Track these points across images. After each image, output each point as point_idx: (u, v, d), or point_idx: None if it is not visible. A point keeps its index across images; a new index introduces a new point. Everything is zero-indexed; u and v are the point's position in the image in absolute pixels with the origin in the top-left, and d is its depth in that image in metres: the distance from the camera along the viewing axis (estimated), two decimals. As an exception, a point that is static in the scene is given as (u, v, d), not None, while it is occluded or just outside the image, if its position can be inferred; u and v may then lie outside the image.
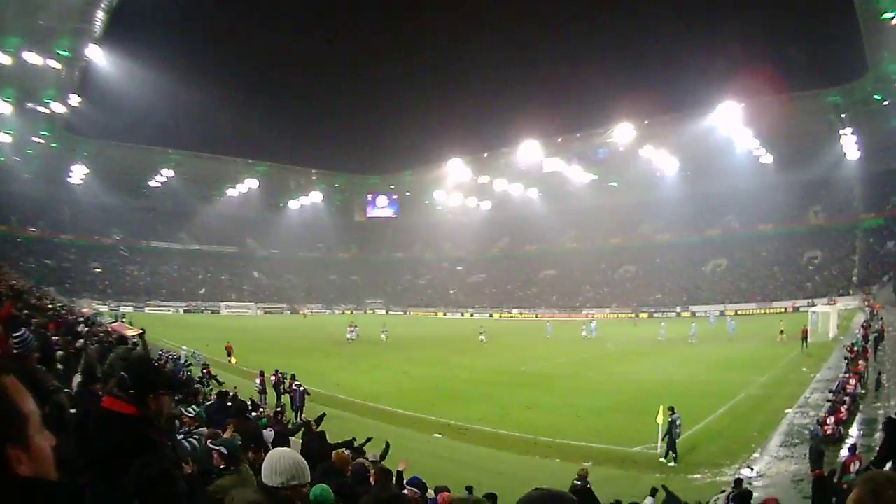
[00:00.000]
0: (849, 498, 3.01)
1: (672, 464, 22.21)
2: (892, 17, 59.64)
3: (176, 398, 14.97)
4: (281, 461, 4.31)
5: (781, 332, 54.53)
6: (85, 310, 61.50)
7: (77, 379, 9.68)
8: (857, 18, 64.01)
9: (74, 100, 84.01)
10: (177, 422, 9.88)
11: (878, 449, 10.86)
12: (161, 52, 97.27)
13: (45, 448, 2.07)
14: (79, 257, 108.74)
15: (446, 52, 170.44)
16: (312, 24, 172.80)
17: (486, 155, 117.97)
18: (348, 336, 67.54)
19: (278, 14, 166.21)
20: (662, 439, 22.91)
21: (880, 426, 18.77)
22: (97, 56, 76.43)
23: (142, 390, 4.23)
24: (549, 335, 72.41)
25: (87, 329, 27.35)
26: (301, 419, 25.47)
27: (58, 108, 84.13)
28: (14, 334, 8.10)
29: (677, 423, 22.56)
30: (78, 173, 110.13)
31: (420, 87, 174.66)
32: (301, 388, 30.81)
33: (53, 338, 15.60)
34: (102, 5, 67.48)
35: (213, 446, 7.31)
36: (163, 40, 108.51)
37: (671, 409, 22.86)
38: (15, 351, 7.66)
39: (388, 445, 15.44)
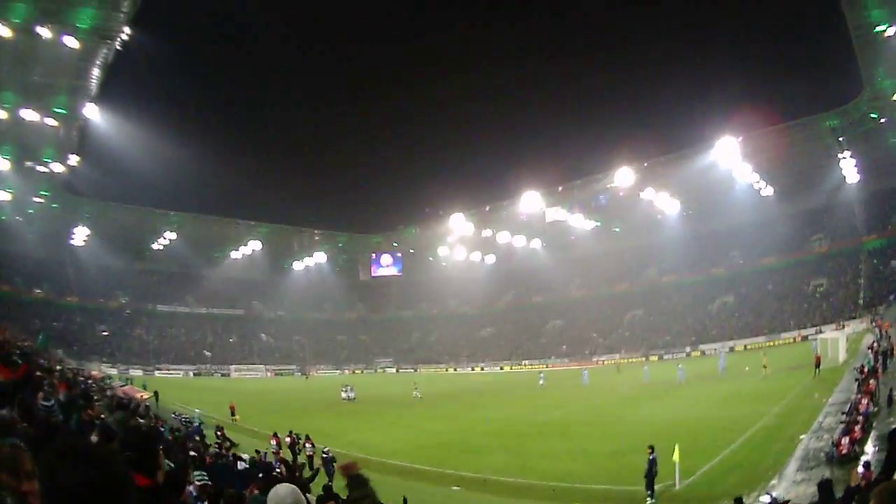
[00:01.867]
0: None
1: (649, 500, 22.58)
2: (885, 30, 59.81)
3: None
4: (284, 496, 4.70)
5: (765, 366, 54.58)
6: (94, 373, 62.39)
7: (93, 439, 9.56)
8: (849, 36, 64.01)
9: (73, 159, 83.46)
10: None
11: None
12: (159, 111, 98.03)
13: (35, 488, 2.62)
14: (85, 320, 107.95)
15: (443, 106, 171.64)
16: (308, 82, 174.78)
17: (487, 209, 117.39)
18: (343, 396, 68.04)
19: (275, 74, 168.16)
20: (645, 477, 23.02)
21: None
22: (94, 114, 75.20)
23: (152, 461, 4.43)
24: (541, 383, 72.31)
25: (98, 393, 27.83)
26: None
27: (56, 167, 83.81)
28: (45, 403, 8.47)
29: (655, 461, 22.71)
30: (80, 235, 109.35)
31: (418, 143, 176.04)
32: (329, 455, 30.28)
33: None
34: (97, 62, 66.53)
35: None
36: (160, 99, 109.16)
37: (650, 447, 23.14)
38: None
39: (405, 500, 15.71)
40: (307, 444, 33.19)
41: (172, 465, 8.05)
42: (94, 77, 69.09)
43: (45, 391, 10.96)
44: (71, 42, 60.16)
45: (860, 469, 17.52)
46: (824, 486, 13.34)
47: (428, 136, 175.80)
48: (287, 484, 5.11)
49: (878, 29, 60.39)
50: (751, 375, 56.02)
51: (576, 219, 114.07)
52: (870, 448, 22.52)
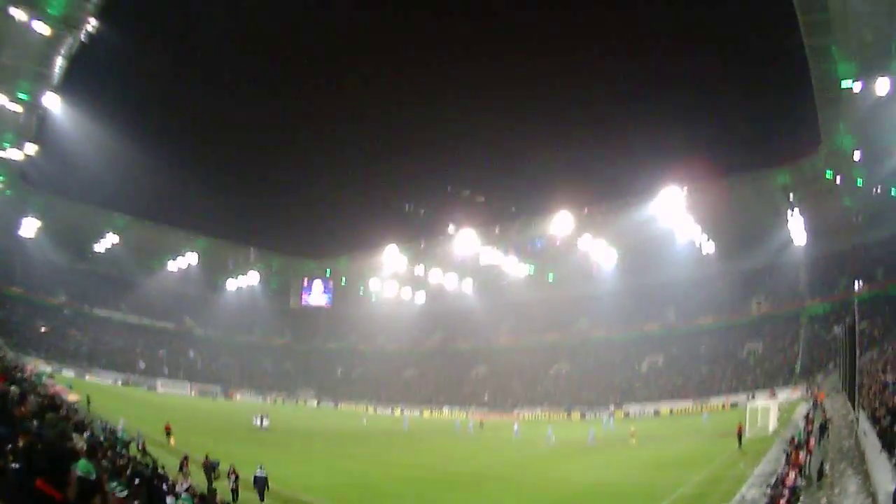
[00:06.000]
0: None
1: None
2: (852, 86, 59.50)
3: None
4: None
5: (632, 436, 57.20)
6: (29, 367, 62.95)
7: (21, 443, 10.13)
8: (811, 89, 63.76)
9: (30, 148, 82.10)
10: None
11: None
12: (115, 111, 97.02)
13: None
14: (27, 313, 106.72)
15: (384, 136, 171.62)
16: (263, 100, 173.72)
17: (422, 245, 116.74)
18: (256, 424, 68.63)
19: (232, 87, 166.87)
20: None
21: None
22: (54, 104, 74.32)
23: (67, 478, 4.78)
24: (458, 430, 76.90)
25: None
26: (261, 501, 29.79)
27: (14, 154, 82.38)
28: None
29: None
30: (29, 226, 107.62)
31: (359, 172, 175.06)
32: (263, 475, 31.01)
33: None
34: (62, 51, 65.73)
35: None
36: (117, 97, 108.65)
37: None
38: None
39: None
40: (232, 475, 31.28)
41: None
42: (57, 66, 68.62)
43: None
44: (41, 27, 59.54)
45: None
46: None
47: (369, 164, 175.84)
48: None
49: (844, 84, 60.01)
50: (697, 439, 56.33)
51: (510, 262, 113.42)
52: (793, 524, 20.94)
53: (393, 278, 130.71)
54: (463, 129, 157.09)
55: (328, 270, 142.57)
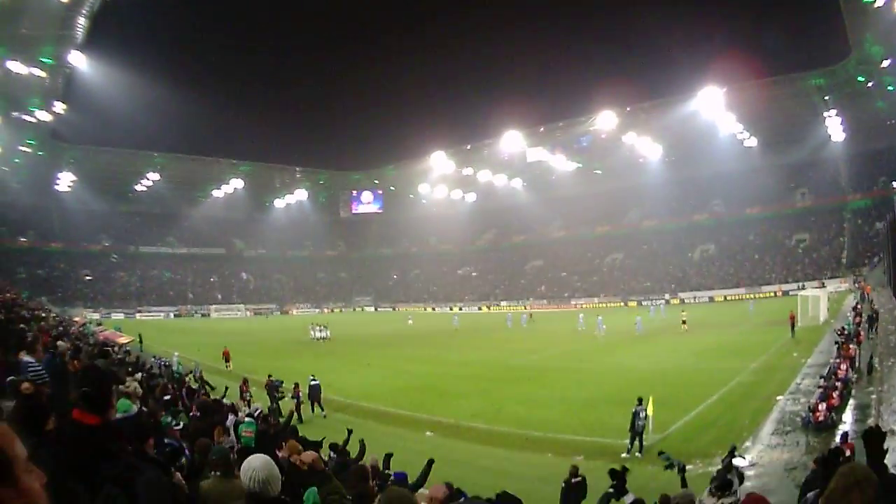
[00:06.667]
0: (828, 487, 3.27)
1: (637, 454, 21.56)
2: (874, 1, 59.67)
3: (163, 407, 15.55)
4: (256, 471, 4.47)
5: (684, 322, 57.49)
6: (77, 319, 62.26)
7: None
8: (839, 2, 64.32)
9: (59, 107, 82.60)
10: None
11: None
12: (142, 56, 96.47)
13: (35, 487, 2.16)
14: (69, 265, 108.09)
15: (426, 44, 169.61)
16: (293, 21, 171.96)
17: (468, 147, 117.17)
18: (313, 336, 67.59)
19: (259, 13, 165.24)
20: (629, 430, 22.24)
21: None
22: (80, 62, 74.61)
23: (105, 399, 4.62)
24: (510, 323, 76.62)
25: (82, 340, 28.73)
26: (321, 410, 30.72)
27: (43, 116, 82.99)
28: (28, 360, 9.70)
29: (640, 414, 21.83)
30: (65, 181, 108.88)
31: (400, 81, 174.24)
32: (316, 383, 31.43)
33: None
34: (83, 11, 66.13)
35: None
36: (144, 43, 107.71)
37: (639, 399, 22.21)
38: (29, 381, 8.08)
39: (363, 444, 15.40)
40: (295, 392, 30.69)
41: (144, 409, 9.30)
42: (80, 26, 68.72)
43: (27, 346, 10.63)
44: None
45: (837, 440, 17.11)
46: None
47: (410, 73, 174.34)
48: (261, 455, 4.85)
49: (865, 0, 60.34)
50: (752, 326, 56.90)
51: (557, 159, 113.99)
52: (848, 417, 22.13)
53: (442, 182, 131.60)
54: (506, 33, 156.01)
55: (376, 181, 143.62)
